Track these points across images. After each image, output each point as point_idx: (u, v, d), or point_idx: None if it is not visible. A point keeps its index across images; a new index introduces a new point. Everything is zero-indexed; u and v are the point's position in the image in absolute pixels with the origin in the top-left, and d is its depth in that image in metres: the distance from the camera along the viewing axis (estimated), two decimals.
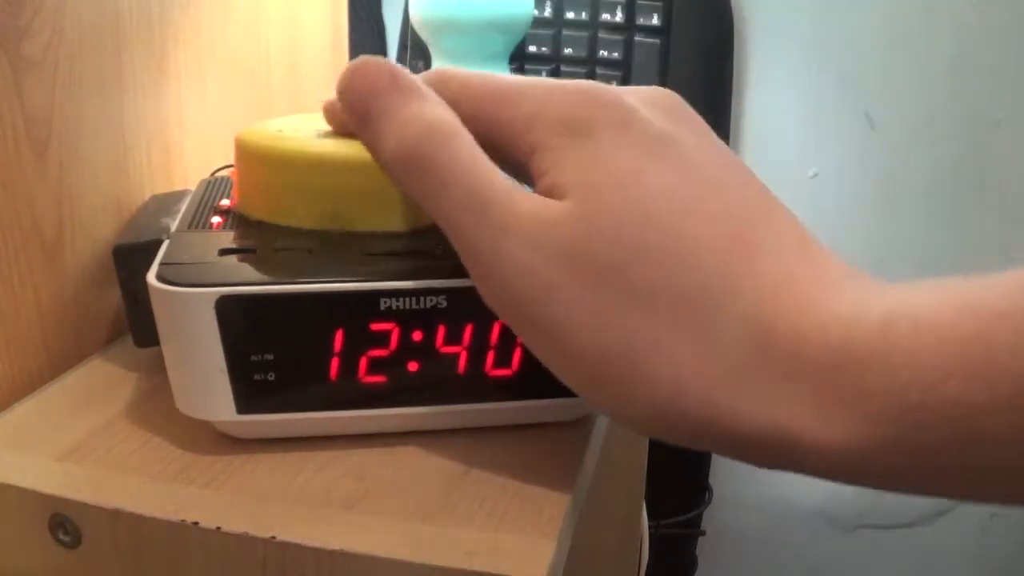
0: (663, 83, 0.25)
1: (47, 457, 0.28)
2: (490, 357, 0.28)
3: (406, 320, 0.27)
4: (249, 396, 0.27)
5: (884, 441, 0.20)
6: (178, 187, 0.43)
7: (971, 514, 0.95)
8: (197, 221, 0.32)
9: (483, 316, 0.27)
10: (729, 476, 0.97)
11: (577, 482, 0.28)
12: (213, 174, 0.41)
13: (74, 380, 0.34)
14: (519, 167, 0.25)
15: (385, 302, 0.27)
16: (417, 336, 0.27)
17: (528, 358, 0.28)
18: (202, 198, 0.35)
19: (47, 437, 0.29)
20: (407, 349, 0.27)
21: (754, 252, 0.23)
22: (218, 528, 0.25)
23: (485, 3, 0.54)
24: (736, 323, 0.22)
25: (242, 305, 0.26)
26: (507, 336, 0.28)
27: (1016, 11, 0.76)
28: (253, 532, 0.25)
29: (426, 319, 0.27)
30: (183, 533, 0.25)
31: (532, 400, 0.29)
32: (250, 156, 0.31)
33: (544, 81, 0.26)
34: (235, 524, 0.25)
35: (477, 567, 0.23)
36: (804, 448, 0.21)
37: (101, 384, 0.33)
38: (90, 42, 0.36)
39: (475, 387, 0.28)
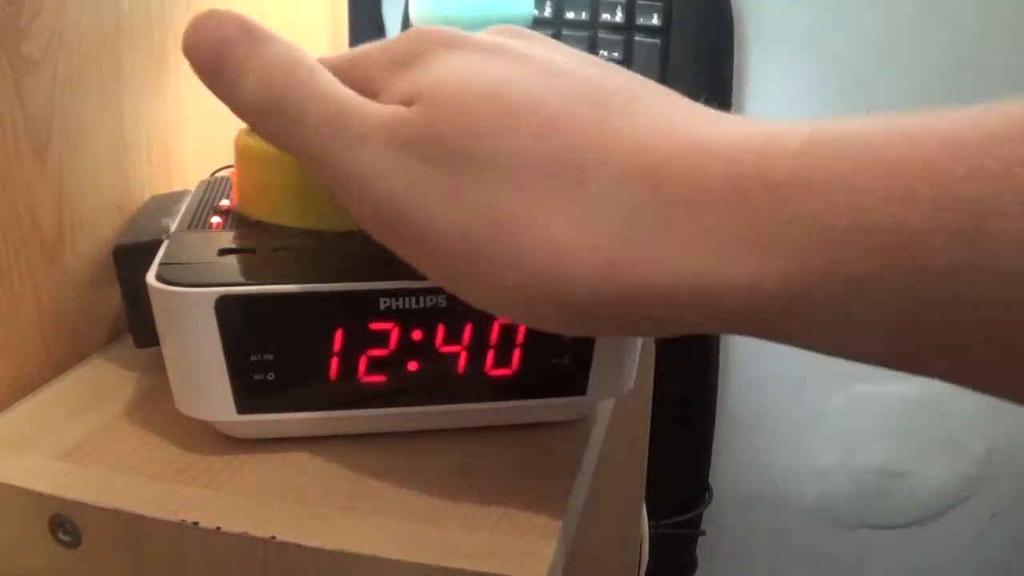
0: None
1: (47, 457, 0.28)
2: (490, 357, 0.28)
3: (405, 320, 0.27)
4: (249, 396, 0.27)
5: (811, 277, 0.18)
6: (178, 187, 0.43)
7: (971, 514, 0.95)
8: (197, 221, 0.32)
9: (483, 316, 0.27)
10: (729, 476, 0.97)
11: (577, 482, 0.28)
12: (213, 174, 0.41)
13: (74, 380, 0.34)
14: None
15: (384, 302, 0.27)
16: (417, 336, 0.27)
17: (528, 358, 0.28)
18: (202, 198, 0.35)
19: (47, 437, 0.29)
20: (407, 349, 0.27)
21: (617, 115, 0.21)
22: (218, 528, 0.25)
23: (485, 3, 0.54)
24: (615, 178, 0.20)
25: (241, 305, 0.26)
26: (507, 336, 0.28)
27: (1016, 11, 0.76)
28: (253, 532, 0.25)
29: (425, 319, 0.27)
30: (183, 533, 0.25)
31: (532, 400, 0.29)
32: (250, 156, 0.31)
33: (382, 40, 0.26)
34: (235, 524, 0.25)
35: (477, 567, 0.23)
36: (720, 296, 0.19)
37: (101, 384, 0.33)
38: (90, 42, 0.36)
39: (475, 387, 0.28)
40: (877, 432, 0.94)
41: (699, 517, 0.96)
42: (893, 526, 0.97)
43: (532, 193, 0.21)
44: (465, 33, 0.25)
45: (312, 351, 0.27)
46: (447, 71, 0.23)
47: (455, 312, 0.27)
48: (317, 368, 0.27)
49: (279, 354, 0.27)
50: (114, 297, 0.38)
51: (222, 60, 0.25)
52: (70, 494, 0.26)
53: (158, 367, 0.33)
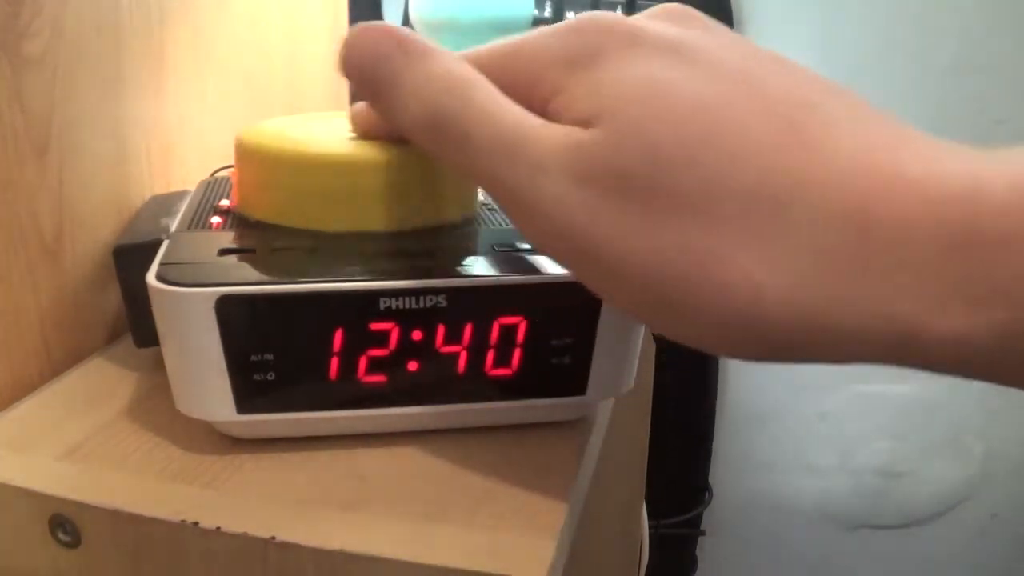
0: None
1: (47, 457, 0.28)
2: (490, 357, 0.28)
3: (406, 320, 0.27)
4: (249, 396, 0.27)
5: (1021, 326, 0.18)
6: (178, 187, 0.43)
7: (971, 515, 0.95)
8: (197, 221, 0.32)
9: (483, 316, 0.27)
10: (729, 476, 0.97)
11: (577, 482, 0.28)
12: (213, 174, 0.41)
13: (74, 380, 0.34)
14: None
15: (384, 302, 0.27)
16: (417, 336, 0.27)
17: (528, 358, 0.28)
18: (202, 198, 0.35)
19: (47, 437, 0.29)
20: (407, 349, 0.27)
21: (813, 136, 0.20)
22: (218, 528, 0.25)
23: (485, 3, 0.54)
24: (815, 215, 0.20)
25: (242, 305, 0.26)
26: (507, 336, 0.28)
27: (1016, 11, 0.76)
28: (253, 532, 0.25)
29: (425, 319, 0.27)
30: (183, 533, 0.25)
31: (532, 400, 0.29)
32: (250, 156, 0.31)
33: (541, 30, 0.24)
34: (235, 524, 0.25)
35: (477, 567, 0.23)
36: (927, 344, 0.19)
37: (101, 384, 0.33)
38: (90, 42, 0.36)
39: (475, 387, 0.28)
40: (877, 432, 0.94)
41: (699, 517, 0.96)
42: (893, 526, 0.97)
43: (729, 227, 0.20)
44: (637, 21, 0.23)
45: (312, 351, 0.27)
46: (630, 83, 0.22)
47: (455, 312, 0.27)
48: (317, 368, 0.27)
49: (279, 354, 0.27)
50: (114, 297, 0.38)
51: (379, 78, 0.24)
52: (70, 494, 0.26)
53: (158, 367, 0.33)
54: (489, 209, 0.33)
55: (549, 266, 0.28)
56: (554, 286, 0.27)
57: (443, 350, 0.28)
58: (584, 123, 0.22)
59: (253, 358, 0.27)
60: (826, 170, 0.20)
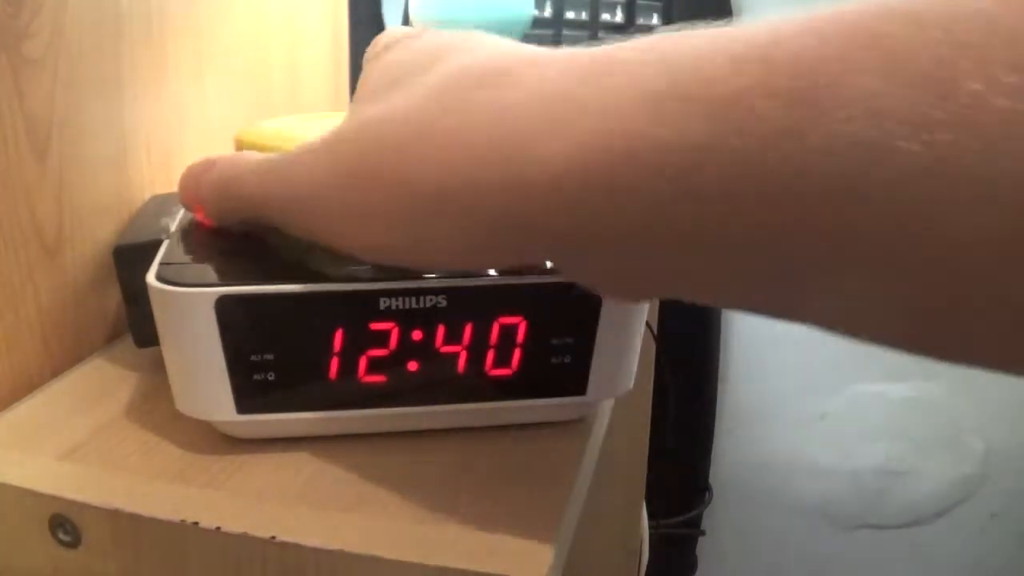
0: None
1: (47, 457, 0.28)
2: (490, 356, 0.28)
3: (405, 320, 0.27)
4: (248, 396, 0.27)
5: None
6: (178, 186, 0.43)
7: (971, 515, 0.95)
8: (196, 221, 0.32)
9: (483, 315, 0.27)
10: (729, 476, 0.97)
11: (577, 482, 0.28)
12: None
13: (74, 380, 0.34)
14: None
15: (384, 301, 0.27)
16: (417, 336, 0.27)
17: (528, 358, 0.28)
18: None
19: (47, 437, 0.29)
20: (407, 349, 0.27)
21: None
22: (218, 528, 0.25)
23: (485, 3, 0.55)
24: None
25: (241, 305, 0.26)
26: (507, 336, 0.28)
27: None
28: (253, 532, 0.25)
29: (425, 319, 0.27)
30: (183, 533, 0.25)
31: (532, 400, 0.29)
32: None
33: None
34: (235, 524, 0.25)
35: (477, 567, 0.23)
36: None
37: (101, 384, 0.33)
38: (90, 42, 0.36)
39: (475, 387, 0.28)
40: (877, 432, 0.94)
41: (699, 517, 0.96)
42: (893, 526, 0.97)
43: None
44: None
45: (312, 351, 0.27)
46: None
47: (455, 312, 0.27)
48: (317, 368, 0.27)
49: (279, 354, 0.27)
50: (114, 297, 0.38)
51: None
52: (70, 494, 0.26)
53: (158, 367, 0.33)
54: None
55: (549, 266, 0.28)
56: (553, 286, 0.27)
57: (443, 350, 0.28)
58: None
59: (253, 358, 0.27)
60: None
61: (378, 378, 0.28)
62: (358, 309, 0.27)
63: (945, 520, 0.95)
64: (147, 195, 0.41)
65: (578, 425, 0.31)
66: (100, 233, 0.38)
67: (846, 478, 0.96)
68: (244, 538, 0.25)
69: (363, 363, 0.27)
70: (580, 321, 0.28)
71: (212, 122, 0.47)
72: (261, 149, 0.31)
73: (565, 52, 0.22)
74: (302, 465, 0.28)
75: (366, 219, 0.23)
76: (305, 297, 0.26)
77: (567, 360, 0.29)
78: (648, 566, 0.61)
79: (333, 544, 0.24)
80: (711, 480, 0.96)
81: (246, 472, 0.27)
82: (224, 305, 0.26)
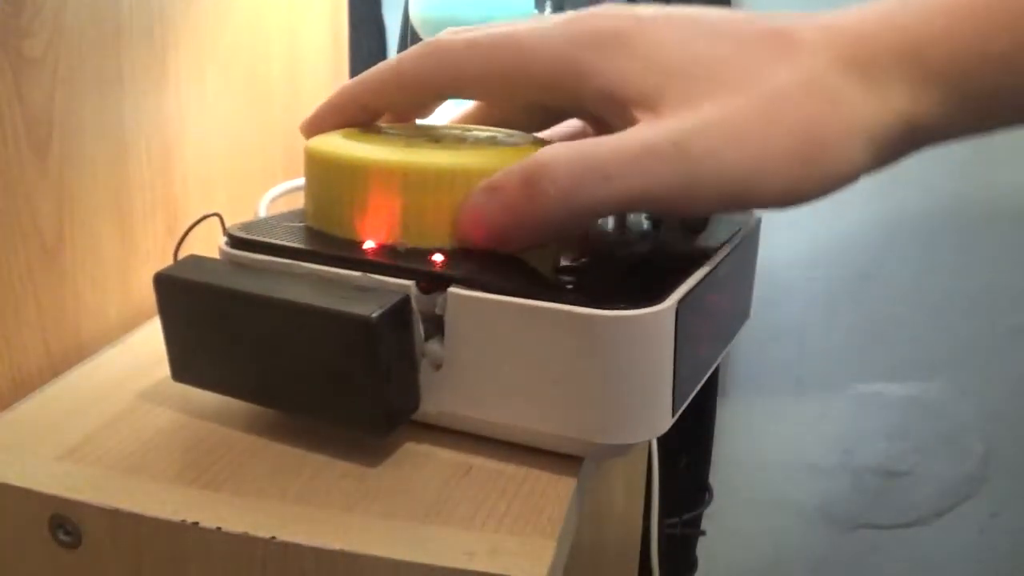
0: None
1: (47, 457, 0.28)
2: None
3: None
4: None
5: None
6: (178, 186, 0.43)
7: (971, 514, 0.95)
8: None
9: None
10: (729, 476, 0.97)
11: (577, 482, 0.28)
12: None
13: (74, 380, 0.34)
14: (571, 106, 0.31)
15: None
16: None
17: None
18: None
19: (47, 437, 0.29)
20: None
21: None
22: (218, 528, 0.25)
23: (485, 3, 0.54)
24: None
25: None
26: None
27: None
28: (253, 532, 0.25)
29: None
30: (183, 533, 0.25)
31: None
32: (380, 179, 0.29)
33: (540, 20, 0.29)
34: (235, 524, 0.25)
35: (477, 567, 0.23)
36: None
37: (101, 384, 0.33)
38: (90, 42, 0.36)
39: None
40: (877, 432, 0.94)
41: (699, 517, 0.96)
42: (893, 526, 0.97)
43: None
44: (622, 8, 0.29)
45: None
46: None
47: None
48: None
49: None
50: (114, 297, 0.38)
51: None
52: (70, 494, 0.26)
53: (158, 367, 0.33)
54: None
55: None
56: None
57: None
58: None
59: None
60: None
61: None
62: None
63: (945, 520, 0.95)
64: (147, 195, 0.41)
65: None
66: (100, 233, 0.38)
67: (846, 478, 0.96)
68: (244, 538, 0.25)
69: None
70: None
71: (212, 122, 0.47)
72: (336, 159, 0.30)
73: None
74: (302, 465, 0.28)
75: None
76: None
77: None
78: (648, 566, 0.61)
79: (333, 544, 0.24)
80: (711, 480, 0.96)
81: (246, 472, 0.27)
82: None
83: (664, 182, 0.26)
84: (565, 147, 0.27)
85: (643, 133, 0.26)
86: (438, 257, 0.28)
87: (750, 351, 0.93)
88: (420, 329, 0.27)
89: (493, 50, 0.29)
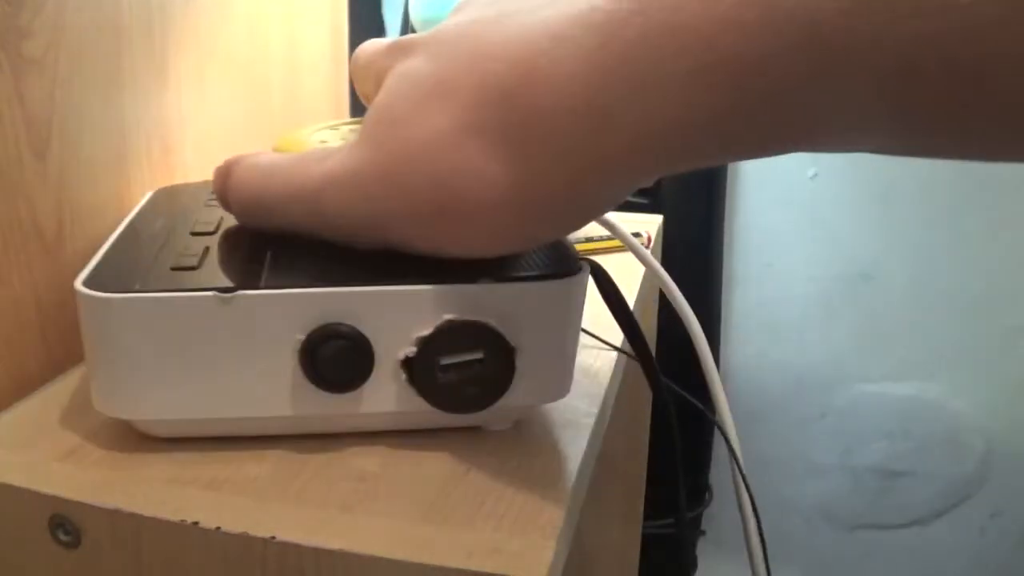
0: None
1: (47, 457, 0.28)
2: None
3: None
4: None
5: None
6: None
7: (971, 514, 0.95)
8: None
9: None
10: (729, 476, 0.97)
11: (577, 482, 0.28)
12: None
13: (74, 380, 0.34)
14: None
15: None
16: None
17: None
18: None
19: (47, 437, 0.29)
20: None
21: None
22: (218, 528, 0.25)
23: None
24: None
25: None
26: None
27: None
28: (253, 532, 0.25)
29: None
30: (183, 533, 0.25)
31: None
32: None
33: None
34: (235, 524, 0.25)
35: (477, 567, 0.23)
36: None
37: None
38: (90, 42, 0.36)
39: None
40: (877, 431, 0.94)
41: (699, 517, 0.96)
42: (893, 526, 0.97)
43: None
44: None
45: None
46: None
47: None
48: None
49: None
50: None
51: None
52: (70, 494, 0.26)
53: None
54: None
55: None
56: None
57: None
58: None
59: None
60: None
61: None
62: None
63: (945, 520, 0.95)
64: (147, 195, 0.41)
65: (578, 425, 0.31)
66: (100, 233, 0.38)
67: (846, 478, 0.96)
68: (244, 538, 0.25)
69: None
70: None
71: (212, 122, 0.47)
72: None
73: None
74: (302, 466, 0.28)
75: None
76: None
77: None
78: (648, 566, 0.61)
79: (333, 544, 0.24)
80: (711, 480, 0.96)
81: (246, 472, 0.27)
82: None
83: (305, 224, 0.27)
84: (247, 167, 0.28)
85: (309, 171, 0.27)
86: None
87: (750, 351, 0.93)
88: None
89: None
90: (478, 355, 0.27)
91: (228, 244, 0.30)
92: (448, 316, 0.26)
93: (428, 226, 0.25)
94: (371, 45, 0.29)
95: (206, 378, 0.27)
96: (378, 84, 0.27)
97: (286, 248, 0.28)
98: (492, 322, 0.26)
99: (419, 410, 0.27)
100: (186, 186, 0.39)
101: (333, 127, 0.35)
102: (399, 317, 0.26)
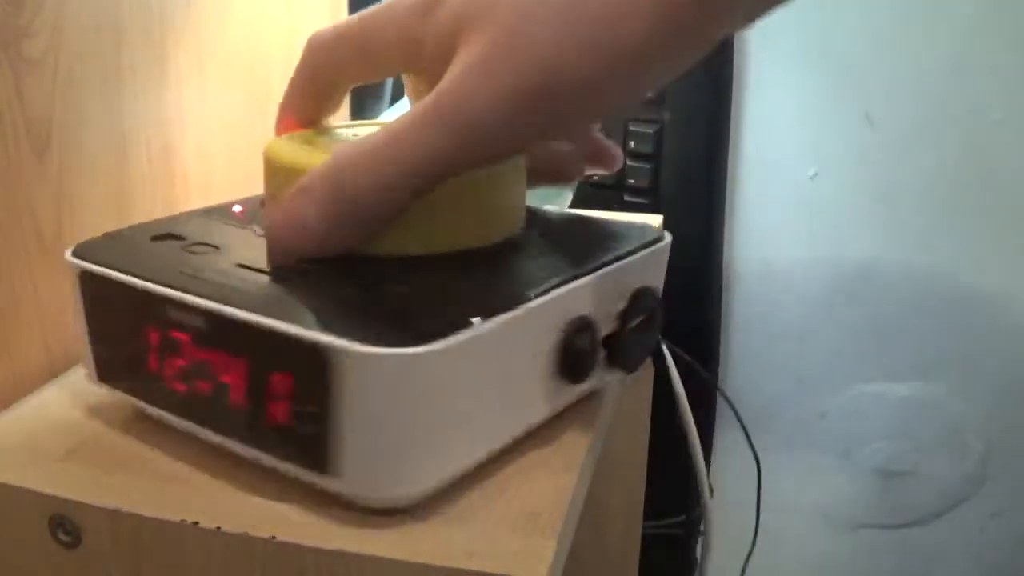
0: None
1: (47, 457, 0.28)
2: (264, 402, 0.25)
3: (196, 335, 0.26)
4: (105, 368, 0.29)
5: None
6: (178, 186, 0.43)
7: (971, 514, 0.95)
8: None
9: (260, 358, 0.25)
10: (729, 476, 0.97)
11: (577, 481, 0.28)
12: None
13: (73, 380, 0.34)
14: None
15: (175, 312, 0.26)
16: (204, 357, 0.26)
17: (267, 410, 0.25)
18: None
19: (47, 437, 0.29)
20: (198, 366, 0.26)
21: None
22: (218, 528, 0.25)
23: None
24: None
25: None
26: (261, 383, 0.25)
27: (1016, 11, 0.76)
28: (253, 532, 0.25)
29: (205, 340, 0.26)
30: (183, 533, 0.25)
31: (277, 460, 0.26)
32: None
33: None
34: (235, 524, 0.25)
35: (477, 567, 0.23)
36: None
37: None
38: (90, 42, 0.36)
39: (249, 428, 0.26)
40: (877, 432, 0.94)
41: (698, 517, 0.95)
42: (893, 525, 0.97)
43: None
44: None
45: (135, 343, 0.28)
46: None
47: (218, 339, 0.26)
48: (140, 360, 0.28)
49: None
50: None
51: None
52: (70, 494, 0.26)
53: None
54: None
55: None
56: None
57: (222, 379, 0.26)
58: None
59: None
60: None
61: (180, 387, 0.27)
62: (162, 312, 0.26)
63: (945, 520, 0.95)
64: (147, 194, 0.41)
65: (578, 425, 0.31)
66: (100, 233, 0.38)
67: (846, 478, 0.96)
68: (244, 538, 0.25)
69: (168, 368, 0.27)
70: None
71: (212, 122, 0.47)
72: (293, 164, 0.30)
73: None
74: None
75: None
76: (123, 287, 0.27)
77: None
78: (648, 566, 0.61)
79: (333, 544, 0.24)
80: (711, 480, 0.96)
81: (246, 472, 0.27)
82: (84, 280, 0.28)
83: (437, 146, 0.25)
84: (351, 143, 0.27)
85: (405, 118, 0.25)
86: None
87: (750, 351, 0.93)
88: None
89: (350, 33, 0.30)
90: (646, 316, 0.31)
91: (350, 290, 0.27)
92: (634, 287, 0.30)
93: (594, 68, 0.24)
94: (338, 28, 0.30)
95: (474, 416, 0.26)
96: (420, 35, 0.27)
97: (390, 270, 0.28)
98: (651, 284, 0.31)
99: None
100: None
101: (321, 133, 0.35)
102: (607, 298, 0.29)
